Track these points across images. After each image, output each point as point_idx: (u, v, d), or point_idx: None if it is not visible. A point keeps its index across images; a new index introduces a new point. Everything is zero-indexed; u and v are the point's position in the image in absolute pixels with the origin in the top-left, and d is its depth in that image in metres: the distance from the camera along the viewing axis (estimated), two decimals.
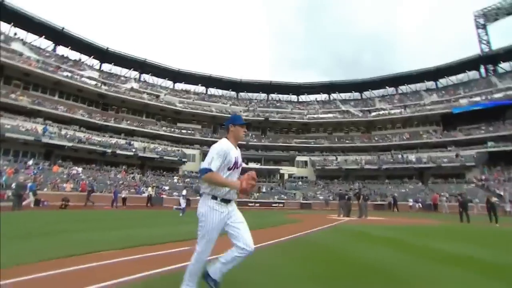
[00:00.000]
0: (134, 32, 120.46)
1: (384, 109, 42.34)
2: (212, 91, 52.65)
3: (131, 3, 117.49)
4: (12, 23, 33.55)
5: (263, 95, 54.02)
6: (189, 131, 40.62)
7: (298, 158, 39.63)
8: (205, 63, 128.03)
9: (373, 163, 36.13)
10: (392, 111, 41.25)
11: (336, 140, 41.98)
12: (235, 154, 2.28)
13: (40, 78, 30.29)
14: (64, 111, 30.14)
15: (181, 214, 13.72)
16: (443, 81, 44.59)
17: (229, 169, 2.24)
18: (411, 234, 8.12)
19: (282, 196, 32.14)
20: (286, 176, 38.02)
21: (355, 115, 42.94)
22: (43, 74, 29.90)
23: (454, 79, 43.62)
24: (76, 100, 33.53)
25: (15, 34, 34.30)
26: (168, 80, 49.38)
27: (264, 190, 32.91)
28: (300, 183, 36.70)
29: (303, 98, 53.58)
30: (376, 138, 40.85)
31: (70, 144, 27.23)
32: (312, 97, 53.34)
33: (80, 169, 26.58)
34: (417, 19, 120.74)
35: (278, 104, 49.83)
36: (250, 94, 54.40)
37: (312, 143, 41.35)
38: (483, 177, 29.86)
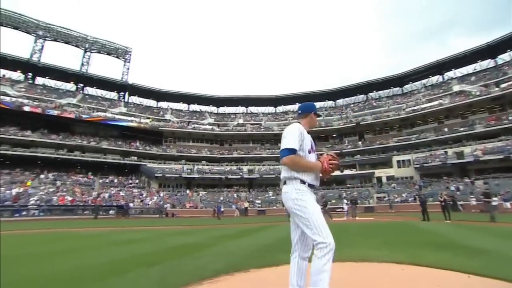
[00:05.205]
0: (238, 75, 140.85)
1: None
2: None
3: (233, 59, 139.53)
4: (166, 100, 52.10)
5: (361, 97, 52.59)
6: None
7: (398, 158, 36.24)
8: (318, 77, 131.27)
9: (497, 152, 28.31)
10: None
11: (447, 130, 35.15)
12: (310, 137, 2.22)
13: (180, 133, 45.31)
14: (195, 153, 43.32)
15: None
16: None
17: (309, 151, 2.18)
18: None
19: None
20: (384, 179, 35.85)
21: (471, 95, 34.67)
22: (181, 130, 44.74)
23: None
24: (202, 142, 46.89)
25: (168, 106, 52.50)
26: (269, 106, 57.80)
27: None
28: (394, 185, 33.66)
29: (408, 88, 48.02)
30: (510, 118, 31.32)
31: (198, 176, 39.19)
32: (419, 84, 46.82)
33: (204, 192, 37.65)
34: None
35: (374, 104, 47.12)
36: (347, 99, 54.29)
37: (414, 139, 36.67)
38: None
